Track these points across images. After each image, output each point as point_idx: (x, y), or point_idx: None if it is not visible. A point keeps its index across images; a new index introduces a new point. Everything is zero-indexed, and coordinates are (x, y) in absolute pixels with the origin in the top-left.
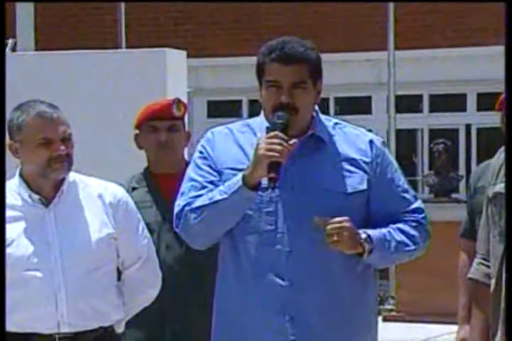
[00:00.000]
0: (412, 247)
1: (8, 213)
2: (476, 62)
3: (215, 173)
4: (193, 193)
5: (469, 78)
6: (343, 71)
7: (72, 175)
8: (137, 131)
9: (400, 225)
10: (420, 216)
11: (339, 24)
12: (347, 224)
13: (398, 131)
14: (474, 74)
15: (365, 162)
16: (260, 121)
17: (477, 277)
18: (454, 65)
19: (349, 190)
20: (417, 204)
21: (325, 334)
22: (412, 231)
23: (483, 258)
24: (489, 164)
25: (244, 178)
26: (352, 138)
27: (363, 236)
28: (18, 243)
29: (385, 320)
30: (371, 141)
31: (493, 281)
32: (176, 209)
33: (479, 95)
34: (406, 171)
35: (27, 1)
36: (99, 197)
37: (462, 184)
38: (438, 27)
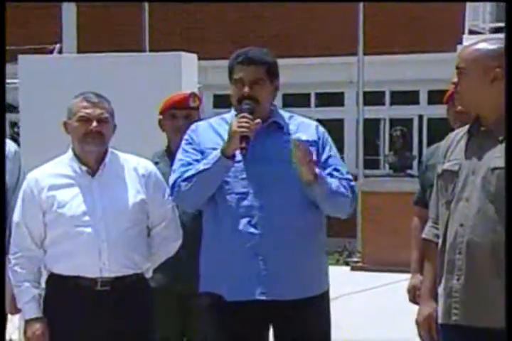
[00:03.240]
0: (348, 193)
1: (62, 181)
2: (427, 65)
3: (198, 153)
4: (182, 169)
5: (422, 78)
6: (322, 72)
7: (113, 152)
8: (161, 117)
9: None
10: (350, 183)
11: (320, 35)
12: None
13: (365, 120)
14: (426, 75)
15: (312, 140)
16: (231, 114)
17: (429, 237)
18: (410, 68)
19: None
20: (348, 176)
21: (288, 270)
22: (344, 185)
23: (434, 222)
24: (438, 146)
25: (222, 151)
26: (303, 125)
27: (317, 170)
28: (71, 205)
29: (352, 269)
30: (317, 126)
31: (440, 240)
32: (170, 182)
33: (430, 92)
34: (371, 151)
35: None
36: (134, 169)
37: (415, 162)
38: (398, 37)
